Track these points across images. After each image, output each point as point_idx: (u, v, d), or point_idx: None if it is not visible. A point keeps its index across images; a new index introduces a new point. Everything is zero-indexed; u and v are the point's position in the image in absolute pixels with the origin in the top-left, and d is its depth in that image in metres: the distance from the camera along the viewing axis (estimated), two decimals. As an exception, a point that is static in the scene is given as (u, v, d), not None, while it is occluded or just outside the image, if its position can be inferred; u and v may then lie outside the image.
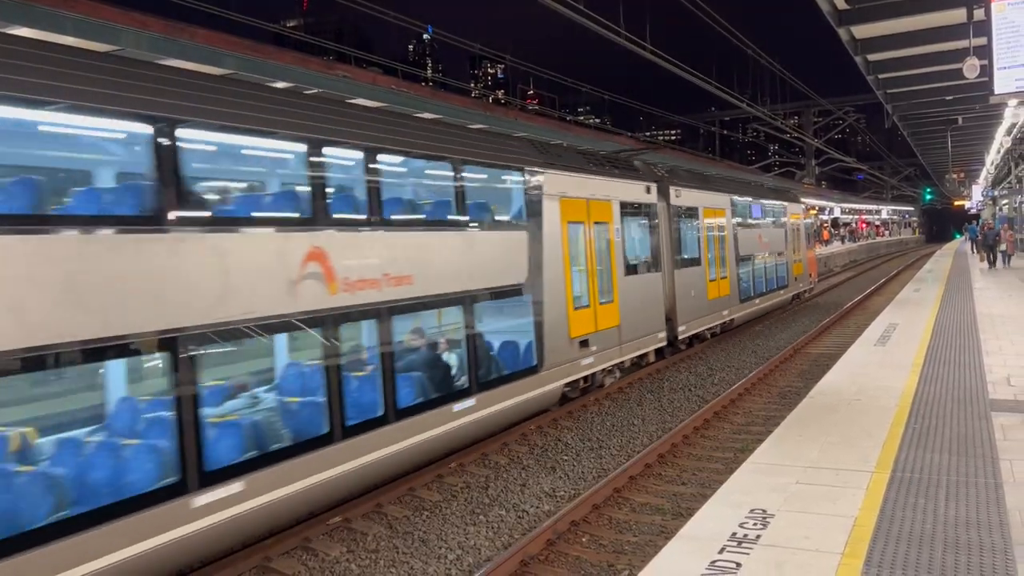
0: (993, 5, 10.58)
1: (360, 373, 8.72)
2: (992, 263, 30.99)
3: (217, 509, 6.63)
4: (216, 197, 7.98)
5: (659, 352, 16.27)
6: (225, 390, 8.01)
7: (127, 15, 8.91)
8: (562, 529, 7.89)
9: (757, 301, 22.61)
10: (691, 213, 18.28)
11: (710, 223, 19.30)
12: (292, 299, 7.58)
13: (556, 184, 12.35)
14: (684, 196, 17.83)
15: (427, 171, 10.43)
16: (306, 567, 7.42)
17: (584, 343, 12.90)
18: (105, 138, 7.01)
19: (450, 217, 10.29)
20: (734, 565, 4.87)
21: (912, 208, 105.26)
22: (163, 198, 6.53)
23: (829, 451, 7.18)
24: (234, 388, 8.22)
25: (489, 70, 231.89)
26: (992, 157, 37.18)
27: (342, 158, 8.71)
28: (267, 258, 7.45)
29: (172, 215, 6.57)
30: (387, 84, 13.55)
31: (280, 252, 7.58)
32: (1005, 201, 44.92)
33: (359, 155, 8.73)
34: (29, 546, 5.29)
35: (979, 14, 12.12)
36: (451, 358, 10.25)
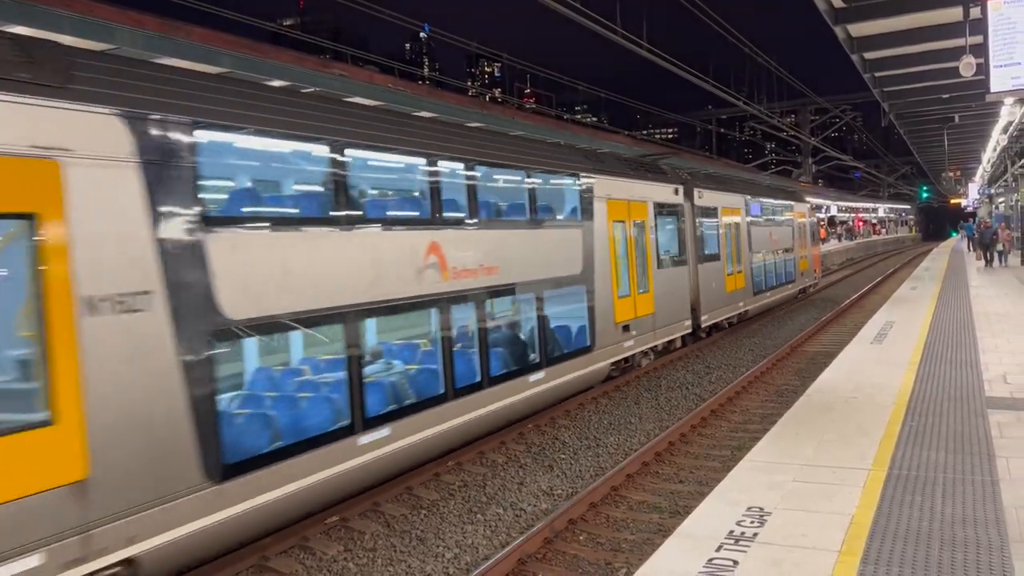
0: (989, 3, 10.58)
1: (464, 346, 10.36)
2: (989, 262, 30.77)
3: (373, 448, 8.36)
4: (370, 202, 9.61)
5: (684, 339, 17.74)
6: (380, 353, 9.80)
7: (123, 13, 8.89)
8: (560, 527, 7.89)
9: (768, 294, 24.02)
10: (712, 213, 19.64)
11: (727, 222, 20.71)
12: (419, 284, 9.32)
13: (603, 187, 13.88)
14: (706, 197, 19.26)
15: (508, 178, 11.94)
16: (304, 566, 7.42)
17: (626, 328, 14.35)
18: (305, 155, 8.62)
19: (524, 217, 11.94)
20: (731, 563, 4.88)
21: (909, 206, 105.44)
22: (337, 204, 8.33)
23: (826, 449, 7.19)
24: (384, 353, 9.98)
25: (486, 68, 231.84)
26: (988, 155, 37.21)
27: (451, 169, 10.23)
28: (404, 250, 9.21)
29: (344, 216, 8.39)
30: (384, 83, 13.53)
31: (412, 246, 9.32)
32: (1001, 199, 44.99)
33: (461, 166, 10.39)
34: (277, 460, 7.26)
35: (975, 12, 12.13)
36: (527, 337, 11.91)
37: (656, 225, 16.09)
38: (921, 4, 14.77)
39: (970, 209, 67.94)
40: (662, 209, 16.52)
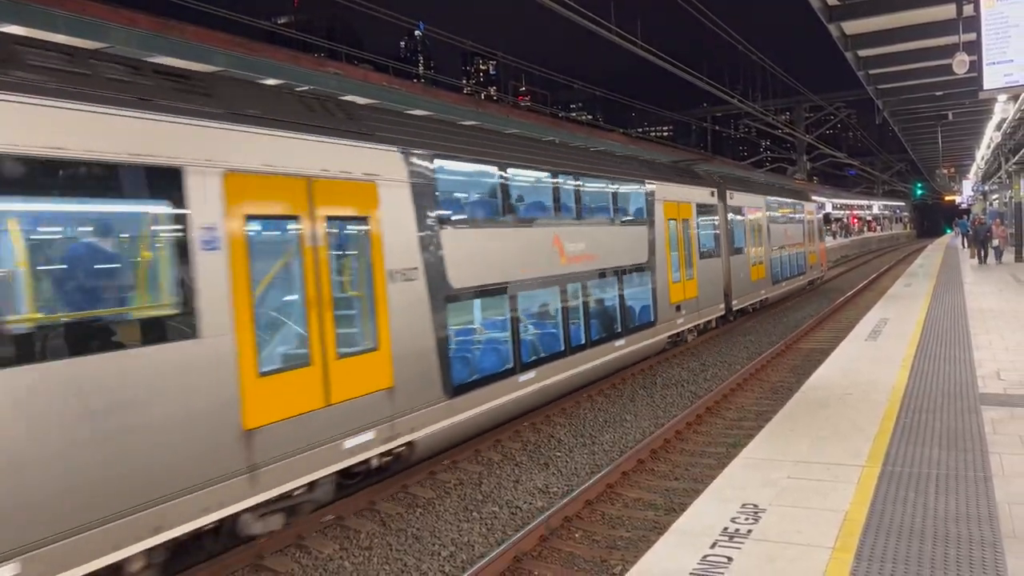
0: (982, 1, 10.61)
1: (575, 314, 13.07)
2: (983, 259, 30.64)
3: (525, 385, 11.33)
4: (523, 206, 12.41)
5: (718, 320, 20.53)
6: (528, 317, 12.21)
7: (116, 12, 8.87)
8: (555, 525, 7.91)
9: (784, 284, 26.86)
10: (740, 211, 22.35)
11: (752, 219, 23.38)
12: (551, 264, 12.37)
13: (661, 191, 16.81)
14: (735, 198, 21.95)
15: (599, 186, 14.68)
16: (299, 565, 7.42)
17: (678, 308, 17.26)
18: (485, 173, 11.41)
19: (610, 215, 14.85)
20: (726, 559, 4.90)
21: (903, 203, 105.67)
22: (503, 208, 11.48)
23: (820, 446, 7.22)
24: (531, 316, 12.40)
25: (481, 67, 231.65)
26: (982, 152, 37.29)
27: (564, 179, 13.24)
28: (538, 242, 12.12)
29: (506, 216, 11.50)
30: (379, 81, 13.52)
31: (542, 239, 12.22)
32: (995, 196, 45.09)
33: (571, 177, 13.44)
34: (478, 386, 10.28)
35: (968, 10, 12.17)
36: (614, 311, 14.56)
37: (697, 222, 18.89)
38: (915, 1, 14.80)
39: (964, 206, 68.09)
40: (702, 209, 19.26)
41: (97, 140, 5.99)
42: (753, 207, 23.60)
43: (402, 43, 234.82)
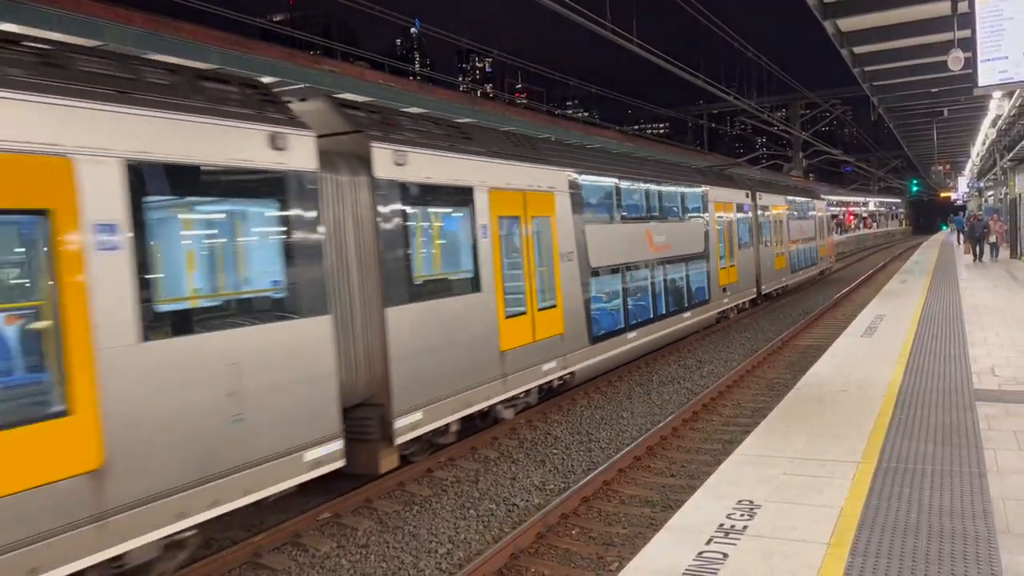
0: (977, -3, 10.61)
1: (659, 290, 16.80)
2: (979, 256, 30.15)
3: (632, 341, 15.22)
4: (629, 206, 15.94)
5: (751, 302, 24.32)
6: (632, 291, 15.58)
7: (110, 10, 8.85)
8: (552, 522, 7.92)
9: (800, 273, 30.56)
10: (766, 210, 26.05)
11: (775, 216, 27.06)
12: (645, 251, 16.25)
13: (712, 193, 20.64)
14: (764, 198, 25.83)
15: (672, 189, 18.22)
16: (296, 562, 7.43)
17: (724, 290, 20.97)
18: (605, 184, 15.09)
19: (679, 214, 18.48)
20: (721, 556, 4.92)
21: (899, 200, 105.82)
22: (616, 209, 15.29)
23: (816, 442, 7.24)
24: (634, 290, 15.69)
25: (477, 64, 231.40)
26: (977, 149, 37.33)
27: (651, 186, 17.09)
28: (637, 235, 16.03)
29: (618, 215, 15.35)
30: (374, 79, 13.51)
31: (639, 232, 16.13)
32: (990, 192, 45.16)
33: (654, 184, 17.22)
34: (605, 339, 14.06)
35: (963, 6, 12.17)
36: (683, 290, 18.19)
37: (736, 219, 22.56)
38: (910, -1, 14.80)
39: (960, 203, 68.20)
40: (739, 208, 22.98)
41: (443, 173, 10.06)
42: (777, 205, 27.35)
43: (398, 41, 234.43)
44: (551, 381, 12.35)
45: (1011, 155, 28.78)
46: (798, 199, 31.47)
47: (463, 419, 10.22)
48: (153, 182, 6.31)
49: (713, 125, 60.19)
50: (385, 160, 9.04)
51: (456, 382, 9.89)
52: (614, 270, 14.79)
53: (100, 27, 8.58)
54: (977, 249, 30.44)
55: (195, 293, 6.83)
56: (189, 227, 6.96)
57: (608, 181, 15.12)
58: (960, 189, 62.91)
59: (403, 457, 9.49)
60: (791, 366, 15.55)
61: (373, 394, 8.94)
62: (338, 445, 7.89)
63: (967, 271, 25.89)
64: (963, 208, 62.62)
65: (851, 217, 79.94)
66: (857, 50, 18.24)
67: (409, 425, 9.07)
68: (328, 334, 7.91)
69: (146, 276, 6.18)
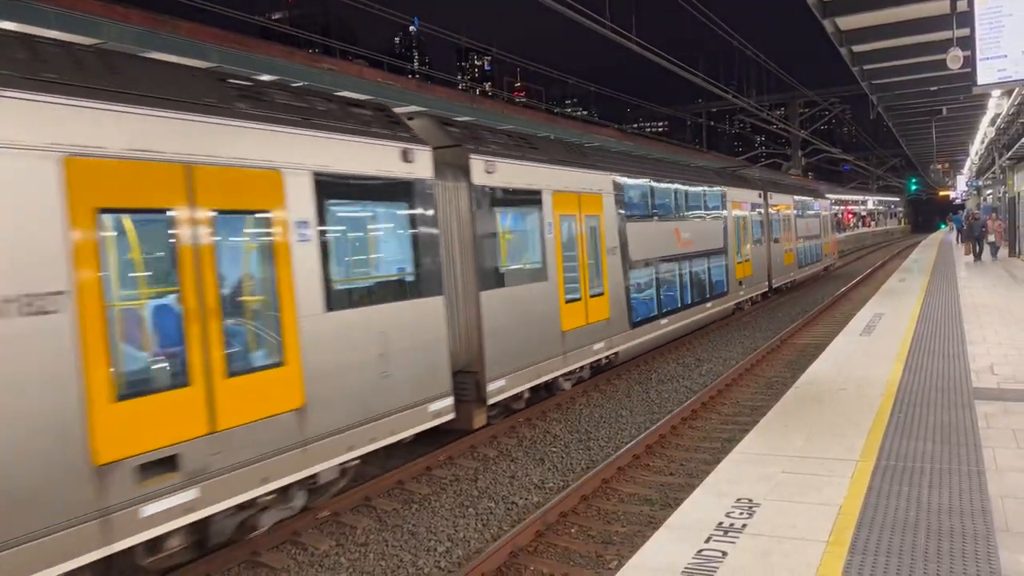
0: (976, -4, 10.60)
1: (685, 282, 18.29)
2: (978, 256, 29.68)
3: (663, 327, 16.80)
4: (661, 206, 17.48)
5: (763, 295, 26.00)
6: (663, 282, 17.10)
7: (109, 8, 8.83)
8: (551, 520, 7.93)
9: (807, 269, 32.33)
10: (777, 209, 27.54)
11: (784, 215, 28.59)
12: (674, 247, 17.80)
13: (730, 194, 22.21)
14: (774, 198, 27.31)
15: (695, 190, 19.65)
16: (295, 561, 7.43)
17: (740, 283, 22.59)
18: (642, 185, 16.55)
19: (702, 213, 19.93)
20: (720, 554, 4.92)
21: (898, 198, 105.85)
22: (650, 208, 16.84)
23: (815, 440, 7.24)
24: (663, 282, 17.15)
25: (476, 62, 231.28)
26: (976, 147, 37.33)
27: (679, 186, 18.58)
28: (668, 230, 17.62)
29: (653, 214, 16.91)
30: (373, 77, 13.50)
31: (669, 228, 17.71)
32: (989, 191, 45.16)
33: (681, 184, 18.78)
34: (642, 324, 15.73)
35: (962, 5, 12.17)
36: (705, 282, 19.66)
37: (750, 218, 24.09)
38: (909, -3, 14.79)
39: (958, 201, 68.21)
40: (753, 207, 24.50)
41: (520, 179, 11.87)
42: (785, 205, 28.85)
43: (397, 39, 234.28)
44: (600, 359, 14.16)
45: (1010, 154, 28.77)
46: (804, 199, 32.93)
47: (532, 388, 12.02)
48: (329, 189, 8.05)
49: (712, 123, 60.17)
50: (479, 169, 10.88)
51: (529, 356, 11.71)
52: (648, 263, 16.30)
53: (98, 25, 8.57)
54: (976, 248, 30.09)
55: (357, 276, 8.60)
56: (352, 224, 8.66)
57: (644, 183, 16.62)
58: (958, 188, 62.91)
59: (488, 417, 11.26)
60: (790, 364, 15.55)
61: (470, 363, 10.74)
62: (450, 401, 9.73)
63: (966, 270, 25.89)
64: (962, 207, 62.63)
65: (850, 216, 79.92)
66: (856, 48, 18.23)
67: (497, 390, 10.93)
68: (442, 311, 9.74)
69: (327, 261, 7.94)
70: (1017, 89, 17.40)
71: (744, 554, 4.90)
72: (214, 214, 6.85)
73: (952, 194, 72.34)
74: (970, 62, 10.57)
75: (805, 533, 5.15)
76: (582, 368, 13.60)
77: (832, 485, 6.01)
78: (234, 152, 7.08)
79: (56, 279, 5.63)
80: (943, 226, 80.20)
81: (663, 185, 17.67)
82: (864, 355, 11.39)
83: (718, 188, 21.35)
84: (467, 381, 10.70)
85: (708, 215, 20.32)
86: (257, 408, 7.04)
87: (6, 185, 5.44)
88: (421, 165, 9.42)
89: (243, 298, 7.24)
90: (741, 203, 23.14)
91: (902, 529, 5.11)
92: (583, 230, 13.57)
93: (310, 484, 7.82)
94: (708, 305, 19.64)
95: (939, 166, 63.77)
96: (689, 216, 18.95)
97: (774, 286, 26.59)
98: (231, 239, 7.17)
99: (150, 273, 6.45)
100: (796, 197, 31.05)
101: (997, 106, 21.81)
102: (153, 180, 6.38)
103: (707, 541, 5.12)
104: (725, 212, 21.56)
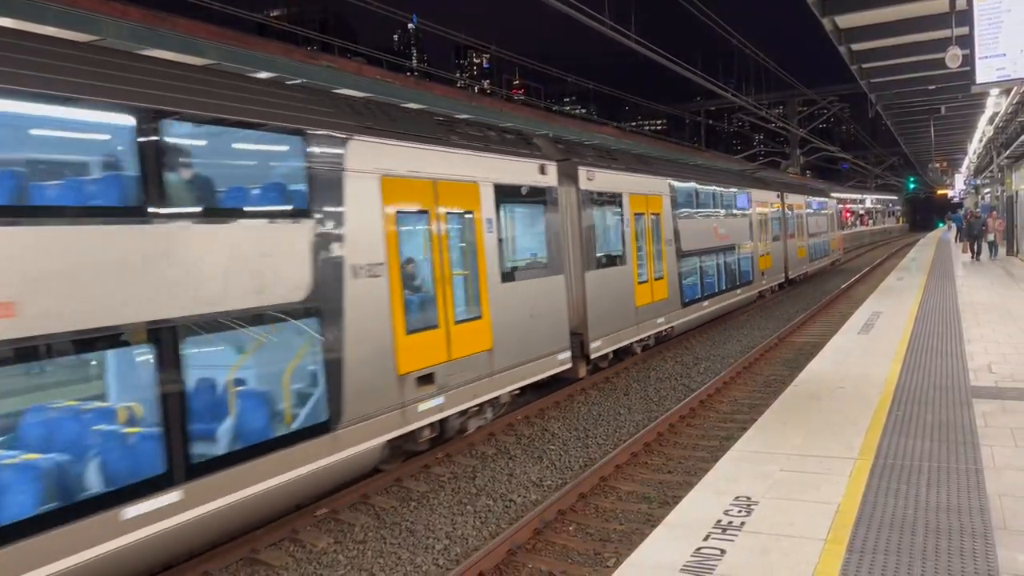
0: (975, -6, 10.59)
1: (721, 271, 20.93)
2: (976, 255, 29.17)
3: (705, 308, 19.46)
4: (703, 204, 20.25)
5: (780, 285, 28.52)
6: (704, 270, 19.69)
7: (107, 4, 8.80)
8: (549, 518, 7.93)
9: (817, 262, 35.57)
10: (791, 208, 30.41)
11: (798, 213, 31.46)
12: (713, 240, 20.38)
13: (754, 194, 25.24)
14: (789, 199, 30.15)
15: (727, 190, 22.55)
16: (293, 558, 7.42)
17: (762, 273, 25.25)
18: (688, 189, 19.24)
19: (733, 209, 22.85)
20: (719, 552, 4.92)
21: (896, 197, 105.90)
22: (696, 207, 19.76)
23: (813, 439, 7.25)
24: (705, 270, 19.75)
25: (474, 60, 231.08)
26: (975, 146, 37.33)
27: (717, 187, 21.61)
28: (708, 226, 20.33)
29: (699, 212, 20.04)
30: (372, 74, 13.47)
31: (710, 224, 20.32)
32: (987, 190, 45.18)
33: (718, 186, 21.85)
34: (689, 305, 18.75)
35: (961, 3, 12.17)
36: (735, 271, 22.34)
37: (770, 215, 26.95)
38: (908, -5, 14.78)
39: (956, 200, 68.23)
40: (772, 206, 27.34)
41: (608, 184, 14.92)
42: (798, 204, 31.53)
43: (395, 36, 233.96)
44: (661, 331, 16.91)
45: (1008, 152, 28.79)
46: (814, 198, 36.05)
47: (615, 351, 14.85)
48: (502, 195, 11.15)
49: (711, 122, 60.15)
50: (584, 176, 13.91)
51: (615, 324, 14.61)
52: (694, 254, 18.96)
53: (97, 22, 8.54)
54: (975, 247, 29.62)
55: (517, 258, 11.88)
56: (514, 220, 11.85)
57: (691, 186, 19.46)
58: (957, 187, 62.93)
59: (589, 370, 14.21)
60: (788, 363, 15.56)
61: (577, 327, 13.44)
62: (568, 354, 12.77)
63: (964, 269, 25.90)
64: (960, 205, 62.65)
65: (848, 214, 79.90)
66: (855, 47, 18.23)
67: (595, 348, 13.87)
68: (563, 286, 12.85)
69: (502, 247, 11.12)
70: (1015, 88, 17.40)
71: (742, 552, 4.90)
72: (447, 213, 10.00)
73: (950, 193, 72.38)
74: (969, 61, 10.57)
75: (803, 531, 5.16)
76: (649, 337, 16.43)
77: (830, 483, 6.02)
78: (455, 171, 10.20)
79: (380, 254, 8.65)
80: (941, 224, 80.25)
81: (705, 187, 20.60)
82: (862, 353, 11.40)
83: (746, 190, 24.44)
84: (574, 341, 13.20)
85: (738, 213, 23.34)
86: (469, 347, 10.23)
87: (363, 196, 8.51)
88: (551, 176, 12.63)
89: (462, 271, 10.41)
90: (763, 203, 26.14)
91: (900, 527, 5.11)
92: (649, 225, 16.50)
93: (493, 403, 10.91)
94: (738, 291, 22.50)
95: (937, 165, 63.79)
96: (724, 214, 21.89)
97: (790, 277, 29.42)
98: (455, 230, 10.32)
99: (419, 251, 9.57)
100: (808, 198, 34.10)
101: (996, 105, 21.81)
102: (418, 191, 9.52)
103: (705, 539, 5.12)
104: (751, 211, 24.47)
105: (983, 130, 29.37)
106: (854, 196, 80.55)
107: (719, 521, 5.40)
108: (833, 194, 46.87)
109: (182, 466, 6.30)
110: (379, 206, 8.72)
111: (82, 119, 6.25)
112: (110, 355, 6.65)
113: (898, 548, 4.80)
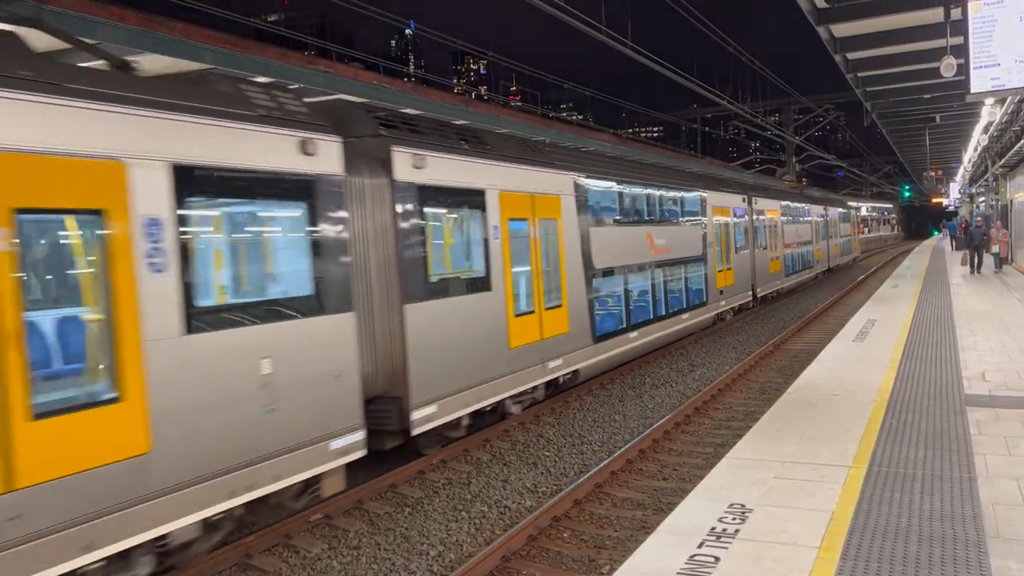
0: (970, 4, 10.68)
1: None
2: (977, 267, 26.16)
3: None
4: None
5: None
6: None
7: (104, 8, 8.80)
8: (544, 524, 7.91)
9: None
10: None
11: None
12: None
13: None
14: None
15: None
16: (287, 564, 7.40)
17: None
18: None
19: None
20: (713, 559, 4.92)
21: (891, 205, 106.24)
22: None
23: (807, 446, 7.25)
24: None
25: (471, 66, 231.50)
26: (969, 155, 37.55)
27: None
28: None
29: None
30: (369, 80, 13.48)
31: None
32: (982, 199, 45.37)
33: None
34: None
35: (956, 13, 12.25)
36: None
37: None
38: (903, 5, 14.90)
39: (951, 208, 68.45)
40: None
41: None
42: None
43: (392, 42, 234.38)
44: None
45: (1003, 161, 28.92)
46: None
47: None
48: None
49: (707, 129, 60.28)
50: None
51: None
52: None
53: (93, 25, 8.53)
54: (975, 259, 26.29)
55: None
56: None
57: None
58: (952, 195, 63.14)
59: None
60: (783, 370, 15.58)
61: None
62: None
63: (959, 278, 25.85)
64: (955, 214, 62.83)
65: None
66: (851, 55, 18.35)
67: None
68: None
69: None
70: (1010, 97, 17.51)
71: (736, 559, 4.90)
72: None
73: (945, 201, 72.63)
74: (963, 70, 10.64)
75: (797, 539, 5.16)
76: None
77: (824, 491, 6.02)
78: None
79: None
80: (936, 232, 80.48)
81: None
82: (857, 361, 11.42)
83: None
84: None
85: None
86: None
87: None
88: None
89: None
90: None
91: (894, 535, 5.12)
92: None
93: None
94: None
95: (932, 173, 64.04)
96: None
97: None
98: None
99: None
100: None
101: (990, 114, 21.95)
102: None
103: (700, 546, 5.12)
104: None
105: (978, 139, 29.52)
106: (854, 204, 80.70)
107: (713, 528, 5.40)
108: (833, 199, 45.47)
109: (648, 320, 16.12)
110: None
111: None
112: (658, 270, 17.18)
113: (892, 556, 4.81)
